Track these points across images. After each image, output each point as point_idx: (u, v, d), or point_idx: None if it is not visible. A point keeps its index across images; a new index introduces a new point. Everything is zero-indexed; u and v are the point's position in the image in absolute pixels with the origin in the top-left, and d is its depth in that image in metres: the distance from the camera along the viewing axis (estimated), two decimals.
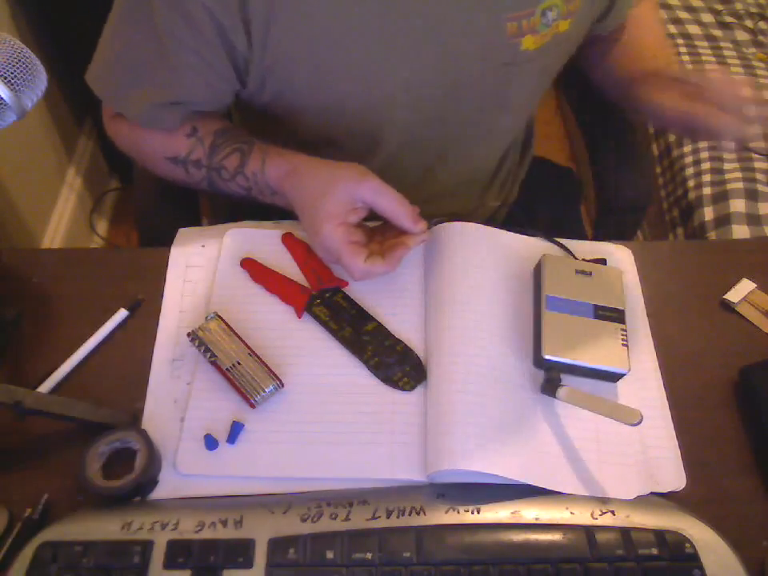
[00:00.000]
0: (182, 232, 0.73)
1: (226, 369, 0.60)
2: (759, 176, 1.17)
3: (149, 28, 0.63)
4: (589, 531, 0.53)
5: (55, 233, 1.54)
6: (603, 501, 0.56)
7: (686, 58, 1.41)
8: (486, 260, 0.67)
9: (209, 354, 0.61)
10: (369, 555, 0.51)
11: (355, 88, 0.68)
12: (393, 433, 0.59)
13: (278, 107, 0.72)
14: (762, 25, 1.49)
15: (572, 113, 1.06)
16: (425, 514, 0.54)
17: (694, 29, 1.48)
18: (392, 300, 0.67)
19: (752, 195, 1.14)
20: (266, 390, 0.59)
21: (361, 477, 0.57)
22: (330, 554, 0.51)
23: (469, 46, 0.67)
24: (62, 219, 1.57)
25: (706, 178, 1.20)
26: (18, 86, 0.53)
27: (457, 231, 0.69)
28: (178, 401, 0.61)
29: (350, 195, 0.62)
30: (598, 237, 0.95)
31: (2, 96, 0.53)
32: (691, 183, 1.23)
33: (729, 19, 1.50)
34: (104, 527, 0.52)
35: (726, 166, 1.20)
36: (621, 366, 0.61)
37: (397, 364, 0.63)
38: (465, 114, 0.75)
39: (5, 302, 0.67)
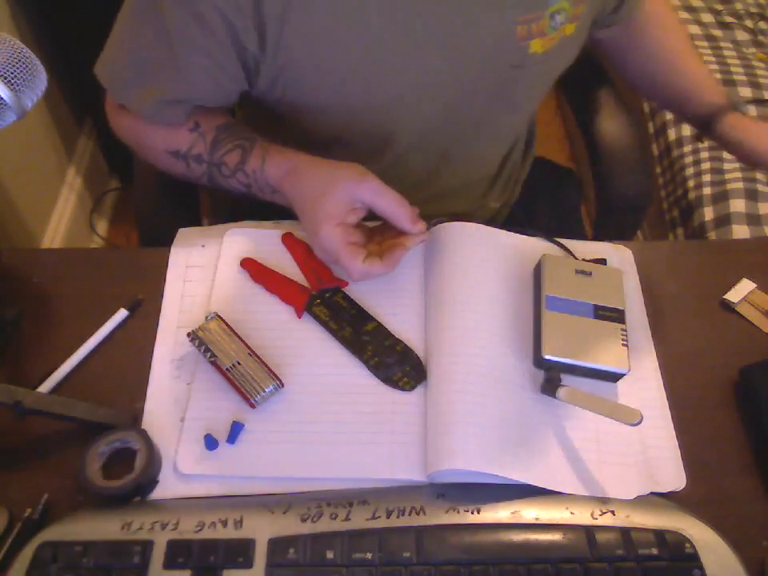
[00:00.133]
0: (182, 232, 0.73)
1: (226, 369, 0.60)
2: (759, 176, 1.17)
3: (159, 27, 0.62)
4: (589, 531, 0.53)
5: (55, 233, 1.54)
6: (603, 501, 0.56)
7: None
8: (486, 260, 0.67)
9: (209, 354, 0.61)
10: (369, 555, 0.51)
11: (366, 88, 0.68)
12: (393, 433, 0.59)
13: (286, 106, 0.72)
14: (762, 25, 1.49)
15: (572, 113, 1.06)
16: (425, 514, 0.54)
17: (694, 29, 1.48)
18: (392, 300, 0.67)
19: (752, 195, 1.14)
20: (266, 390, 0.59)
21: (361, 477, 0.57)
22: (329, 554, 0.51)
23: (479, 49, 0.67)
24: (62, 219, 1.57)
25: (706, 178, 1.20)
26: (18, 85, 0.53)
27: (457, 231, 0.69)
28: (178, 401, 0.61)
29: (349, 196, 0.62)
30: (597, 237, 0.95)
31: (2, 96, 0.53)
32: (691, 183, 1.23)
33: (729, 19, 1.50)
34: (104, 527, 0.52)
35: (726, 166, 1.20)
36: (621, 366, 0.61)
37: (397, 364, 0.63)
38: (470, 115, 0.76)
39: (5, 302, 0.67)
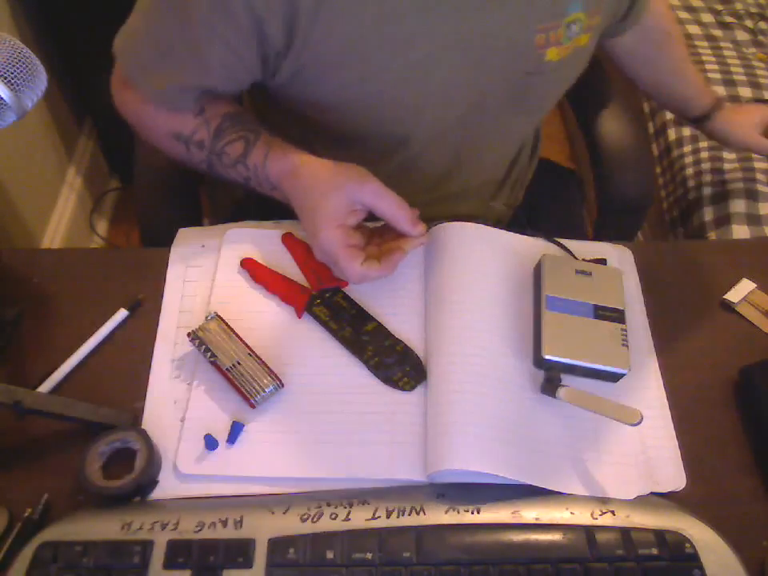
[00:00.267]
0: (182, 232, 0.73)
1: (226, 369, 0.60)
2: (759, 176, 1.17)
3: (182, 12, 0.62)
4: (589, 531, 0.53)
5: (55, 233, 1.54)
6: (603, 501, 0.56)
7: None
8: (486, 260, 0.67)
9: (209, 354, 0.61)
10: (369, 555, 0.51)
11: (390, 88, 0.68)
12: (393, 433, 0.59)
13: (302, 100, 0.72)
14: (762, 25, 1.48)
15: (573, 113, 1.06)
16: (425, 514, 0.54)
17: (693, 29, 1.47)
18: (392, 300, 0.67)
19: (752, 195, 1.14)
20: (266, 390, 0.59)
21: (361, 477, 0.57)
22: (329, 554, 0.51)
23: (499, 54, 0.68)
24: (62, 219, 1.57)
25: (706, 178, 1.20)
26: (18, 85, 0.53)
27: (456, 231, 0.69)
28: (178, 401, 0.61)
29: (349, 197, 0.62)
30: (598, 237, 0.95)
31: (2, 96, 0.53)
32: (691, 183, 1.22)
33: (729, 19, 1.50)
34: (104, 527, 0.52)
35: (726, 166, 1.20)
36: (621, 366, 0.61)
37: (397, 364, 0.63)
38: (483, 120, 0.76)
39: (5, 302, 0.67)
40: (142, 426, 0.59)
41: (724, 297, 0.70)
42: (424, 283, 0.68)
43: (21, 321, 0.66)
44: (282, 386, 0.60)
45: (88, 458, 0.55)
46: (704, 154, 1.23)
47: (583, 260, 0.69)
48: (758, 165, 1.18)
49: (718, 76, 1.35)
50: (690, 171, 1.24)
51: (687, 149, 1.27)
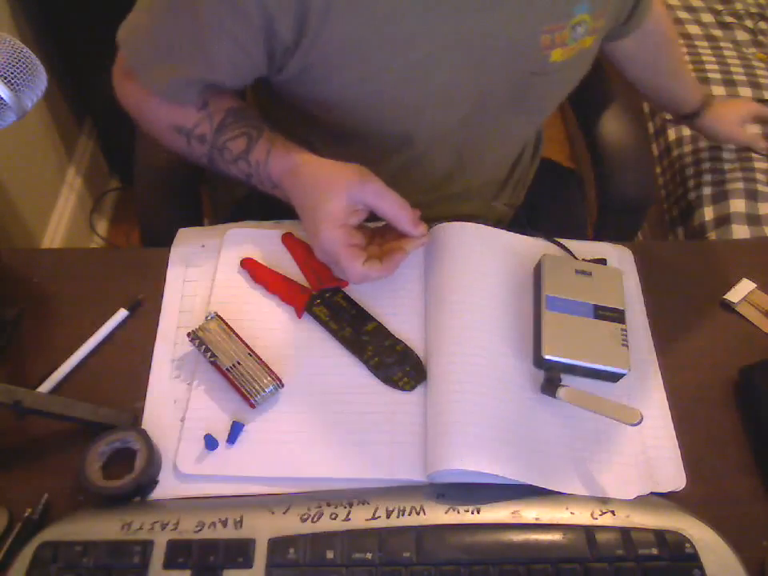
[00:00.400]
0: (182, 232, 0.73)
1: (226, 369, 0.60)
2: (759, 176, 1.17)
3: (191, 7, 0.61)
4: (589, 531, 0.53)
5: (55, 233, 1.54)
6: (603, 501, 0.56)
7: (686, 58, 1.41)
8: (485, 260, 0.67)
9: (209, 354, 0.61)
10: (369, 555, 0.51)
11: (390, 88, 0.68)
12: (393, 433, 0.59)
13: (307, 97, 0.71)
14: (762, 25, 1.48)
15: (573, 113, 1.06)
16: (425, 514, 0.54)
17: (693, 29, 1.47)
18: (392, 300, 0.67)
19: (752, 195, 1.14)
20: (266, 390, 0.59)
21: (361, 477, 0.57)
22: (329, 554, 0.51)
23: (500, 55, 0.68)
24: (62, 219, 1.57)
25: (706, 178, 1.20)
26: (18, 85, 0.53)
27: (456, 231, 0.69)
28: (178, 401, 0.61)
29: (351, 197, 0.62)
30: (598, 237, 0.95)
31: (2, 96, 0.53)
32: (691, 183, 1.22)
33: (729, 19, 1.50)
34: (104, 527, 0.52)
35: (726, 166, 1.20)
36: (621, 366, 0.61)
37: (397, 364, 0.63)
38: (486, 120, 0.76)
39: (5, 302, 0.67)
40: (142, 426, 0.59)
41: (724, 297, 0.70)
42: (424, 283, 0.68)
43: (21, 321, 0.66)
44: (282, 386, 0.60)
45: (88, 458, 0.55)
46: (704, 154, 1.23)
47: (583, 260, 0.69)
48: (757, 165, 1.18)
49: (718, 76, 1.35)
50: (689, 171, 1.24)
51: (687, 149, 1.27)
